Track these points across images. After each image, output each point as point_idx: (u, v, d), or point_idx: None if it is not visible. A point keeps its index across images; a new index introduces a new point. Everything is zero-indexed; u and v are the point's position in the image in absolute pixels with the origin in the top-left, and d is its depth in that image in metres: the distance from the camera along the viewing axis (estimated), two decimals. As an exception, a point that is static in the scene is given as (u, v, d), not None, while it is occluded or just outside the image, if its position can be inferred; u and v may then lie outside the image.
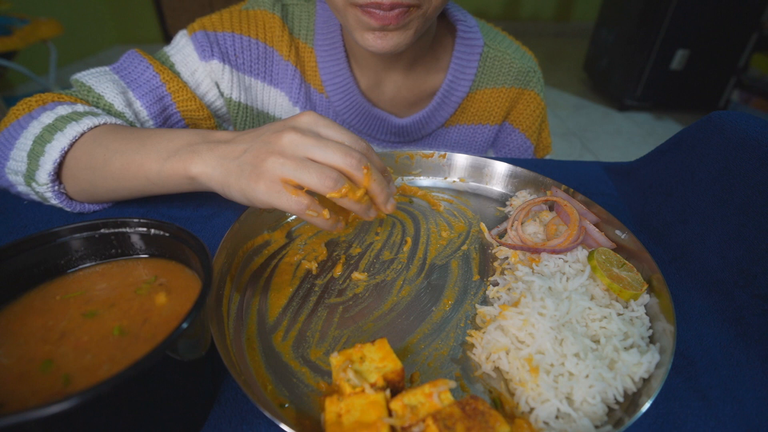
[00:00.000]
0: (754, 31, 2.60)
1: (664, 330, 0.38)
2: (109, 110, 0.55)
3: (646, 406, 0.31)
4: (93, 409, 0.22)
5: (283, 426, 0.29)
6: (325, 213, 0.40)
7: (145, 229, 0.35)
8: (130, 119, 0.56)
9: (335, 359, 0.33)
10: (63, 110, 0.50)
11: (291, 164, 0.38)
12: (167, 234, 0.34)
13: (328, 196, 0.38)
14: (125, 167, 0.45)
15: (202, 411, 0.32)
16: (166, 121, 0.61)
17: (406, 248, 0.50)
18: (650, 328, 0.39)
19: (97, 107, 0.55)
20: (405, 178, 0.62)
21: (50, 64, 2.25)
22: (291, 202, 0.38)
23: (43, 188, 0.49)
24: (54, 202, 0.50)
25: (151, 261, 0.35)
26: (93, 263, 0.35)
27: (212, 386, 0.34)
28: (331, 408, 0.30)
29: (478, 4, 4.37)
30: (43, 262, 0.33)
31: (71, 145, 0.48)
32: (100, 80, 0.56)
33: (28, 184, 0.49)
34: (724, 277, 0.45)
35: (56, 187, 0.49)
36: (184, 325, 0.25)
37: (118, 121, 0.52)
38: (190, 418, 0.31)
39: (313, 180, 0.38)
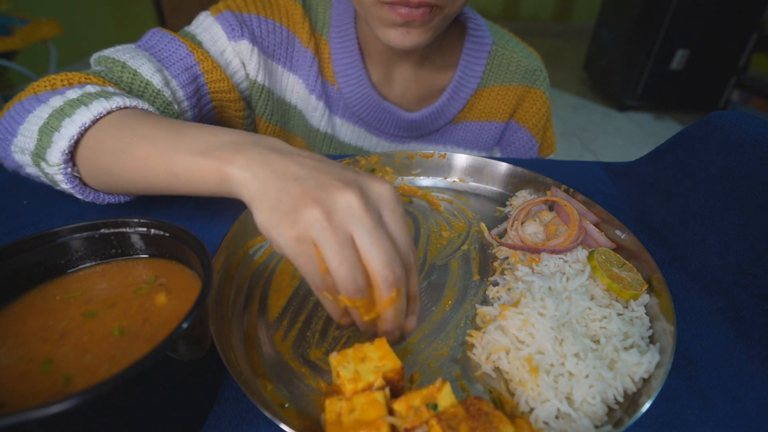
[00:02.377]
0: (754, 31, 2.60)
1: (664, 330, 0.38)
2: (145, 89, 0.51)
3: (646, 406, 0.31)
4: (93, 409, 0.22)
5: (283, 426, 0.29)
6: (341, 301, 0.32)
7: (145, 229, 0.35)
8: (169, 99, 0.53)
9: (335, 359, 0.33)
10: (92, 89, 0.45)
11: (330, 237, 0.30)
12: (167, 234, 0.34)
13: (339, 296, 0.32)
14: (149, 156, 0.39)
15: (202, 411, 0.32)
16: (198, 102, 0.59)
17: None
18: (650, 328, 0.39)
19: (132, 86, 0.50)
20: (405, 178, 0.62)
21: (50, 64, 2.25)
22: (311, 270, 0.31)
23: (53, 169, 0.43)
24: (65, 186, 0.45)
25: (151, 261, 0.35)
26: (93, 263, 0.35)
27: (212, 386, 0.34)
28: (331, 408, 0.30)
29: (478, 4, 4.37)
30: (43, 262, 0.33)
31: (94, 122, 0.42)
32: (133, 56, 0.52)
33: (36, 164, 0.44)
34: (724, 277, 0.45)
35: (69, 170, 0.44)
36: (184, 325, 0.25)
37: (152, 109, 0.47)
38: (190, 418, 0.31)
39: (340, 274, 0.30)
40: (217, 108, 0.63)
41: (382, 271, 0.31)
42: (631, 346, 0.37)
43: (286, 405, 0.34)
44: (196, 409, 0.32)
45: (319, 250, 0.31)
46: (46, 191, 0.55)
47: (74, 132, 0.42)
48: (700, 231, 0.49)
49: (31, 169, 0.46)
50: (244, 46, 0.63)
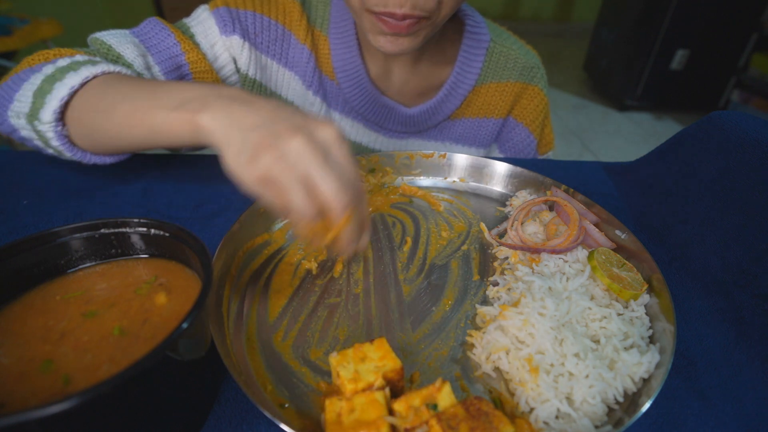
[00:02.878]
0: (754, 31, 2.60)
1: (664, 330, 0.38)
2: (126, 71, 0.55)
3: (646, 406, 0.31)
4: (93, 409, 0.22)
5: (283, 426, 0.29)
6: (303, 228, 0.38)
7: (145, 229, 0.35)
8: None
9: (335, 359, 0.33)
10: (80, 58, 0.50)
11: (285, 174, 0.35)
12: (167, 234, 0.34)
13: (298, 225, 0.37)
14: (131, 113, 0.44)
15: (202, 411, 0.32)
16: None
17: (406, 248, 0.50)
18: (650, 328, 0.39)
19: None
20: (405, 178, 0.62)
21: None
22: (276, 206, 0.37)
23: (45, 127, 0.48)
24: (55, 144, 0.50)
25: (151, 261, 0.35)
26: (93, 263, 0.35)
27: (212, 386, 0.34)
28: (331, 408, 0.30)
29: (478, 4, 4.36)
30: (43, 262, 0.33)
31: (82, 85, 0.47)
32: (120, 41, 0.56)
33: (30, 123, 0.49)
34: (724, 277, 0.45)
35: (59, 128, 0.49)
36: (184, 325, 0.25)
37: (148, 76, 0.52)
38: (190, 418, 0.31)
39: (295, 203, 0.35)
40: None
41: (334, 197, 0.35)
42: (631, 346, 0.37)
43: (286, 405, 0.34)
44: (196, 409, 0.32)
45: (278, 186, 0.35)
46: (46, 191, 0.56)
47: (64, 93, 0.47)
48: (700, 231, 0.49)
49: (25, 132, 0.50)
50: (235, 41, 0.64)
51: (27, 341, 0.28)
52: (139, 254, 0.36)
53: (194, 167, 0.63)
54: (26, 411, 0.20)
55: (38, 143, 0.51)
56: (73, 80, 0.47)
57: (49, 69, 0.49)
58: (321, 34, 0.70)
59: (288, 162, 0.35)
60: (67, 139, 0.50)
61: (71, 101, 0.48)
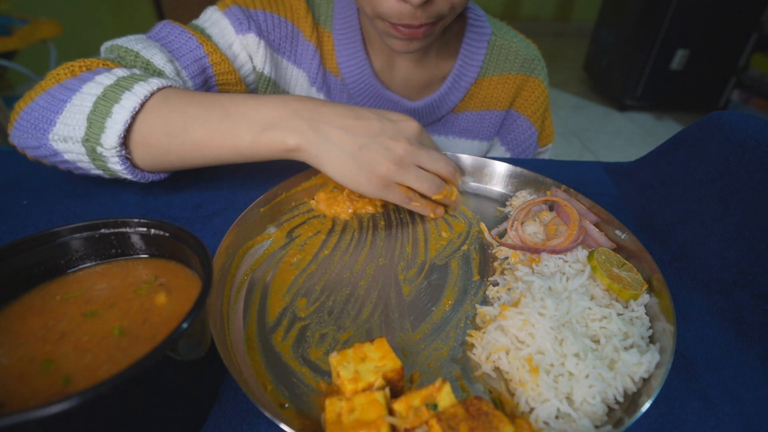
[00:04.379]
0: (754, 31, 2.60)
1: (664, 330, 0.38)
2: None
3: (646, 406, 0.31)
4: (93, 409, 0.22)
5: (283, 426, 0.29)
6: (427, 203, 0.52)
7: (145, 229, 0.35)
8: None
9: (335, 359, 0.33)
10: (122, 72, 0.48)
11: (408, 175, 0.48)
12: (167, 234, 0.34)
13: (433, 198, 0.52)
14: (210, 137, 0.45)
15: (202, 411, 0.32)
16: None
17: (406, 248, 0.50)
18: (650, 328, 0.39)
19: None
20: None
21: (50, 64, 2.25)
22: (401, 198, 0.50)
23: (110, 152, 0.46)
24: (116, 168, 0.48)
25: (151, 261, 0.35)
26: (93, 263, 0.35)
27: (212, 386, 0.34)
28: (331, 407, 0.30)
29: (478, 4, 4.36)
30: (43, 262, 0.33)
31: (141, 106, 0.46)
32: (145, 46, 0.54)
33: (91, 149, 0.46)
34: (724, 277, 0.45)
35: (123, 152, 0.47)
36: (185, 325, 0.25)
37: (184, 86, 0.52)
38: (190, 418, 0.31)
39: (424, 187, 0.49)
40: None
41: (446, 170, 0.52)
42: (631, 346, 0.37)
43: (286, 405, 0.34)
44: (196, 409, 0.32)
45: (401, 184, 0.49)
46: (46, 191, 0.56)
47: (127, 117, 0.45)
48: (700, 231, 0.49)
49: (70, 155, 0.48)
50: (251, 39, 0.64)
51: (27, 341, 0.28)
52: (139, 254, 0.36)
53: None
54: (26, 411, 0.20)
55: (83, 166, 0.49)
56: (131, 101, 0.45)
57: (94, 88, 0.46)
58: (325, 31, 0.70)
59: (403, 165, 0.47)
60: (130, 162, 0.49)
61: (134, 124, 0.46)
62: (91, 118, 0.45)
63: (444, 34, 0.71)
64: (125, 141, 0.47)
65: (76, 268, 0.35)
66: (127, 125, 0.45)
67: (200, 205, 0.55)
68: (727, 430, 0.34)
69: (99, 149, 0.46)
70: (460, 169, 0.55)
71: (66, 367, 0.27)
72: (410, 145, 0.47)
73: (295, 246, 0.50)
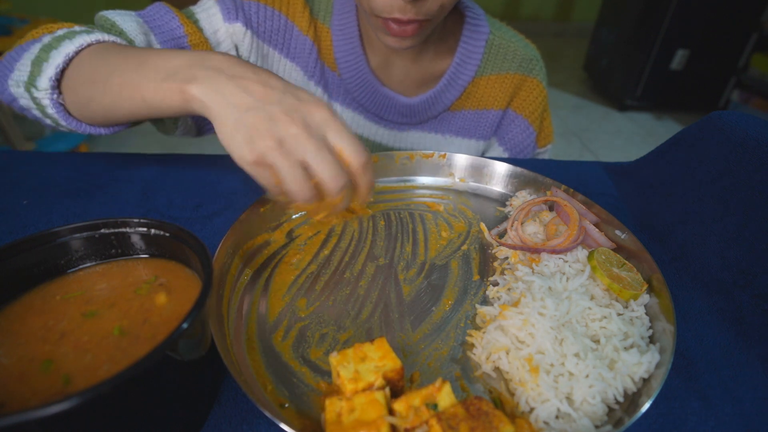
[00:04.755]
0: (754, 31, 2.60)
1: (664, 330, 0.38)
2: None
3: (646, 406, 0.31)
4: (93, 409, 0.22)
5: (283, 426, 0.29)
6: (295, 206, 0.43)
7: (145, 229, 0.35)
8: None
9: (335, 359, 0.33)
10: (78, 28, 0.52)
11: (283, 162, 0.38)
12: (167, 234, 0.34)
13: (296, 203, 0.41)
14: (123, 85, 0.45)
15: (202, 411, 0.32)
16: None
17: (406, 248, 0.50)
18: (650, 328, 0.39)
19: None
20: (405, 178, 0.62)
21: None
22: (268, 184, 0.40)
23: (41, 93, 0.49)
24: (50, 111, 0.50)
25: (151, 261, 0.35)
26: (93, 263, 0.35)
27: (212, 386, 0.34)
28: (331, 407, 0.30)
29: (478, 4, 4.36)
30: (43, 262, 0.33)
31: (76, 53, 0.48)
32: (124, 18, 0.57)
33: (28, 90, 0.49)
34: (724, 277, 0.45)
35: (55, 96, 0.49)
36: (185, 325, 0.25)
37: (126, 44, 0.52)
38: (190, 418, 0.31)
39: (292, 189, 0.39)
40: None
41: (329, 183, 0.39)
42: (631, 346, 0.37)
43: (286, 405, 0.34)
44: (196, 409, 0.32)
45: (273, 169, 0.39)
46: (46, 191, 0.56)
47: (60, 61, 0.48)
48: (700, 231, 0.49)
49: (23, 101, 0.51)
50: (238, 28, 0.66)
51: (27, 341, 0.28)
52: (139, 254, 0.36)
53: (194, 167, 0.63)
54: (26, 411, 0.20)
55: (36, 113, 0.52)
56: (68, 48, 0.48)
57: (47, 39, 0.50)
58: (324, 26, 0.71)
59: (285, 148, 0.38)
60: (63, 108, 0.51)
61: (67, 70, 0.49)
62: (34, 63, 0.49)
63: (441, 32, 0.72)
64: (59, 86, 0.49)
65: (76, 268, 0.34)
66: (58, 69, 0.48)
67: (200, 205, 0.55)
68: (727, 430, 0.34)
69: (33, 91, 0.49)
70: (358, 191, 0.43)
71: (66, 367, 0.27)
72: (302, 130, 0.38)
73: (295, 246, 0.50)
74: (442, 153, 0.61)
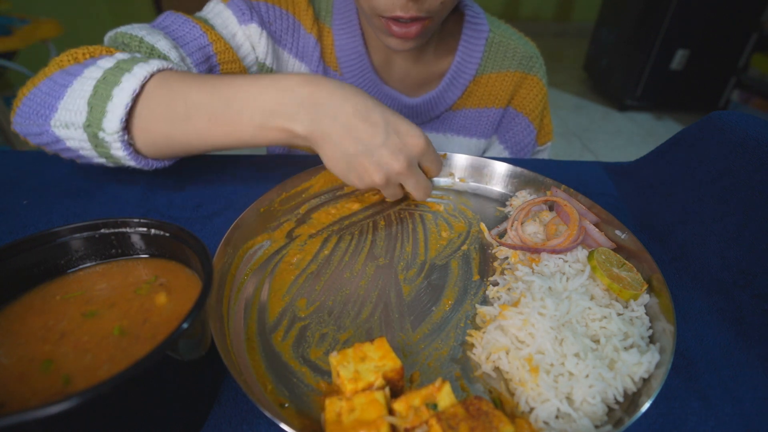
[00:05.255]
0: (754, 31, 2.60)
1: (664, 330, 0.38)
2: None
3: (646, 406, 0.31)
4: (93, 409, 0.22)
5: (283, 426, 0.29)
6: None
7: (145, 229, 0.35)
8: None
9: (335, 359, 0.33)
10: (123, 56, 0.47)
11: (388, 190, 0.52)
12: (167, 234, 0.34)
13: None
14: (213, 125, 0.45)
15: (202, 411, 0.32)
16: None
17: (406, 248, 0.50)
18: (650, 328, 0.39)
19: None
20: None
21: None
22: (363, 189, 0.51)
23: (112, 137, 0.45)
24: (120, 153, 0.46)
25: (152, 261, 0.35)
26: (93, 263, 0.35)
27: (212, 386, 0.34)
28: (331, 407, 0.30)
29: (478, 4, 4.36)
30: (43, 262, 0.33)
31: (142, 88, 0.45)
32: (150, 33, 0.54)
33: (93, 134, 0.45)
34: (724, 277, 0.45)
35: (125, 136, 0.46)
36: (185, 325, 0.25)
37: (185, 68, 0.52)
38: (190, 418, 0.31)
39: (391, 199, 0.55)
40: None
41: (419, 197, 0.53)
42: (631, 346, 0.37)
43: (286, 405, 0.34)
44: (196, 409, 0.32)
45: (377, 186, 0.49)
46: (46, 191, 0.56)
47: (127, 99, 0.44)
48: (700, 231, 0.49)
49: (73, 143, 0.47)
50: (254, 29, 0.64)
51: (27, 341, 0.28)
52: (139, 254, 0.36)
53: (194, 167, 0.63)
54: (26, 411, 0.20)
55: (85, 153, 0.48)
56: (131, 83, 0.44)
57: (95, 72, 0.45)
58: (325, 26, 0.71)
59: (390, 182, 0.49)
60: (132, 148, 0.48)
61: (135, 108, 0.45)
62: (92, 103, 0.44)
63: (441, 32, 0.72)
64: (127, 126, 0.46)
65: (76, 268, 0.35)
66: (128, 108, 0.44)
67: (200, 205, 0.55)
68: (727, 430, 0.34)
69: (101, 134, 0.45)
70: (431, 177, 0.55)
71: (66, 367, 0.27)
72: (405, 168, 0.48)
73: (295, 246, 0.50)
74: (442, 153, 0.61)
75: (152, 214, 0.53)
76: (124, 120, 0.44)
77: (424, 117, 0.78)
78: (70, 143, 0.47)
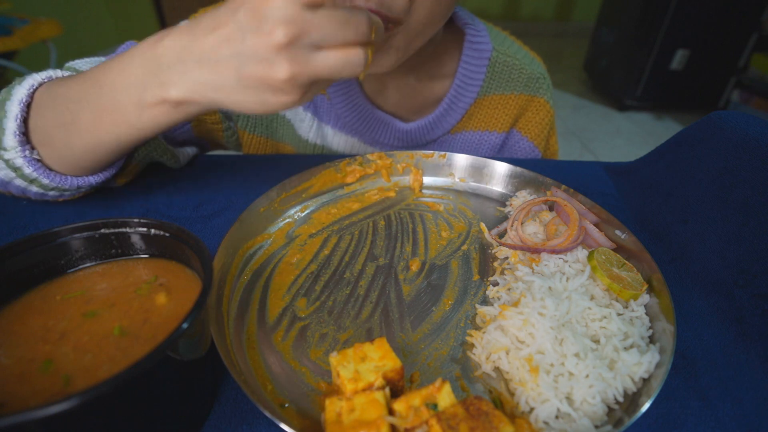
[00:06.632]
0: (754, 31, 2.60)
1: (664, 330, 0.38)
2: None
3: (646, 406, 0.31)
4: (93, 410, 0.22)
5: (283, 426, 0.29)
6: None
7: (145, 229, 0.35)
8: None
9: (335, 359, 0.33)
10: (29, 74, 0.46)
11: (304, 72, 0.34)
12: (167, 234, 0.34)
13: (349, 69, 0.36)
14: (97, 118, 0.40)
15: (202, 411, 0.32)
16: None
17: (406, 248, 0.50)
18: (650, 328, 0.39)
19: None
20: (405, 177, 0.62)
21: (50, 64, 2.25)
22: (334, 77, 0.36)
23: (11, 154, 0.43)
24: (28, 171, 0.45)
25: (152, 261, 0.35)
26: (93, 263, 0.35)
27: (212, 386, 0.34)
28: (331, 407, 0.30)
29: (478, 4, 4.37)
30: (43, 262, 0.33)
31: (30, 96, 0.43)
32: (92, 62, 0.54)
33: (1, 158, 0.44)
34: (724, 277, 0.45)
35: (26, 152, 0.44)
36: (185, 326, 0.25)
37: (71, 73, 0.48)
38: (190, 418, 0.31)
39: (338, 71, 0.35)
40: (193, 122, 0.62)
41: (360, 30, 0.35)
42: (631, 346, 0.37)
43: (286, 405, 0.34)
44: (196, 409, 0.32)
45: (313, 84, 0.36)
46: (46, 191, 0.55)
47: (16, 111, 0.42)
48: (700, 231, 0.49)
49: (1, 173, 0.45)
50: None
51: (27, 341, 0.28)
52: (139, 254, 0.36)
53: (194, 167, 0.63)
54: (26, 411, 0.20)
55: (18, 182, 0.46)
56: (19, 93, 0.43)
57: (3, 94, 0.45)
58: None
59: (297, 54, 0.33)
60: (40, 164, 0.45)
61: (28, 120, 0.44)
62: None
63: (437, 54, 0.67)
64: (29, 142, 0.44)
65: (76, 268, 0.35)
66: (18, 120, 0.42)
67: (200, 205, 0.55)
68: (727, 430, 0.34)
69: (3, 153, 0.44)
70: (373, 19, 0.37)
71: (66, 368, 0.27)
72: (285, 38, 0.32)
73: (295, 246, 0.50)
74: (442, 153, 0.61)
75: (152, 214, 0.53)
76: (18, 134, 0.43)
77: (419, 141, 0.73)
78: (0, 174, 0.46)
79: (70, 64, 0.54)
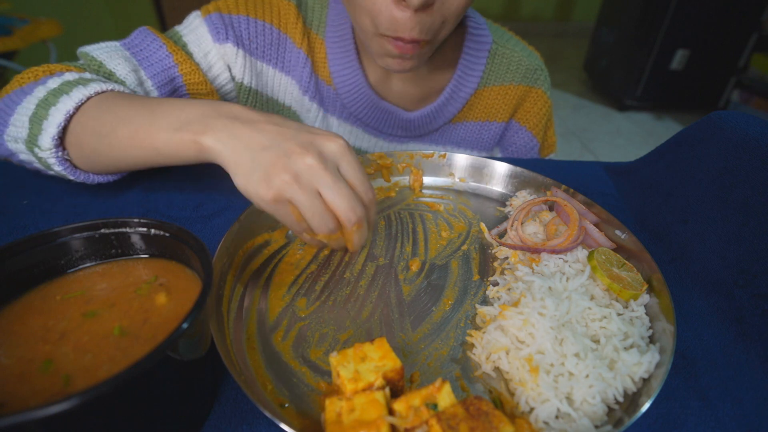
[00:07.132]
0: (754, 31, 2.60)
1: (664, 330, 0.38)
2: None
3: (646, 406, 0.31)
4: (93, 410, 0.22)
5: (283, 426, 0.29)
6: (318, 237, 0.41)
7: (145, 229, 0.35)
8: None
9: (335, 359, 0.33)
10: (71, 76, 0.49)
11: (301, 196, 0.38)
12: (167, 234, 0.34)
13: (317, 236, 0.41)
14: (133, 136, 0.44)
15: (202, 411, 0.32)
16: None
17: (406, 248, 0.50)
18: (650, 328, 0.39)
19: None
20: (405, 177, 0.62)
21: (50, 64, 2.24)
22: (291, 222, 0.40)
23: (45, 153, 0.47)
24: (57, 169, 0.49)
25: (152, 261, 0.35)
26: (93, 263, 0.35)
27: (212, 386, 0.34)
28: (331, 407, 0.30)
29: (478, 4, 4.37)
30: (43, 262, 0.33)
31: (77, 109, 0.47)
32: (111, 56, 0.55)
33: (30, 150, 0.48)
34: (724, 277, 0.45)
35: (59, 153, 0.48)
36: (185, 326, 0.25)
37: (128, 91, 0.51)
38: (190, 418, 0.31)
39: (314, 222, 0.39)
40: None
41: (346, 214, 0.39)
42: (631, 346, 0.37)
43: (286, 405, 0.34)
44: (196, 409, 0.32)
45: (293, 205, 0.39)
46: (46, 191, 0.56)
47: (60, 119, 0.46)
48: (700, 231, 0.49)
49: (24, 156, 0.50)
50: (229, 48, 0.63)
51: (27, 341, 0.28)
52: (139, 254, 0.36)
53: (194, 167, 0.63)
54: (26, 411, 0.20)
55: (38, 166, 0.51)
56: (67, 105, 0.46)
57: (41, 92, 0.48)
58: (318, 37, 0.68)
59: (302, 181, 0.38)
60: (69, 163, 0.50)
61: (69, 125, 0.47)
62: (32, 120, 0.47)
63: (441, 46, 0.68)
64: (63, 143, 0.48)
65: (76, 268, 0.34)
66: (60, 128, 0.46)
67: (200, 205, 0.55)
68: (727, 430, 0.34)
69: (36, 150, 0.48)
70: (370, 216, 0.43)
71: (66, 367, 0.27)
72: (318, 162, 0.38)
73: (295, 246, 0.50)
74: (442, 153, 0.61)
75: (152, 214, 0.53)
76: (56, 138, 0.47)
77: (422, 130, 0.76)
78: (22, 156, 0.50)
79: (84, 49, 0.56)
